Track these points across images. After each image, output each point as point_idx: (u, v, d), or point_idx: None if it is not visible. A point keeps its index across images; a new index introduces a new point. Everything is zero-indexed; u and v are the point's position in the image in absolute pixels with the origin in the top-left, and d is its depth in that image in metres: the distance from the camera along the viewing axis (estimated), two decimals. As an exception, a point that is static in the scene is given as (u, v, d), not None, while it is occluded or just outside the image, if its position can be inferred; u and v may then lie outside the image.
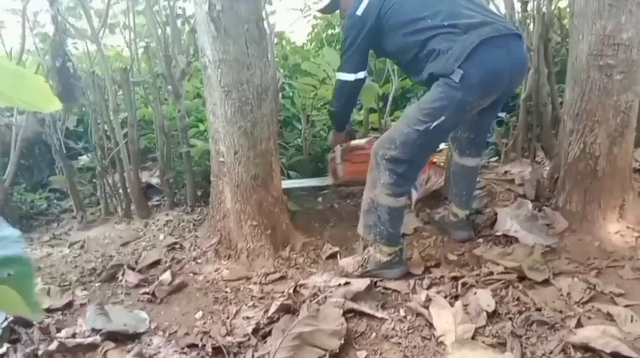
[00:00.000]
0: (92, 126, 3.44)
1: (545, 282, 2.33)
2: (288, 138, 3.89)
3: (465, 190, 2.81)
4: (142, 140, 4.13)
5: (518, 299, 2.23)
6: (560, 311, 2.12)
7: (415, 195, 3.30)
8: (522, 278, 2.36)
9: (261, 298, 2.43)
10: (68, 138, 3.66)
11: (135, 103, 3.52)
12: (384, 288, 2.41)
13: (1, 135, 3.45)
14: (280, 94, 3.86)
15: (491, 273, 2.41)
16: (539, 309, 2.14)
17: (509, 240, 2.72)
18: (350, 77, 2.57)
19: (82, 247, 3.12)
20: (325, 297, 2.32)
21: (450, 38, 2.22)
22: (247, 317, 2.26)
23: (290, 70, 4.16)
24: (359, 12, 2.44)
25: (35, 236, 3.35)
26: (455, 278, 2.41)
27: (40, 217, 3.69)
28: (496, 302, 2.17)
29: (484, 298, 2.20)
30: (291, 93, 3.95)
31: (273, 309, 2.22)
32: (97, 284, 2.68)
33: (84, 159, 3.66)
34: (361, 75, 2.58)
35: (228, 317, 2.27)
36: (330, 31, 5.19)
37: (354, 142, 3.06)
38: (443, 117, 2.22)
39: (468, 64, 2.15)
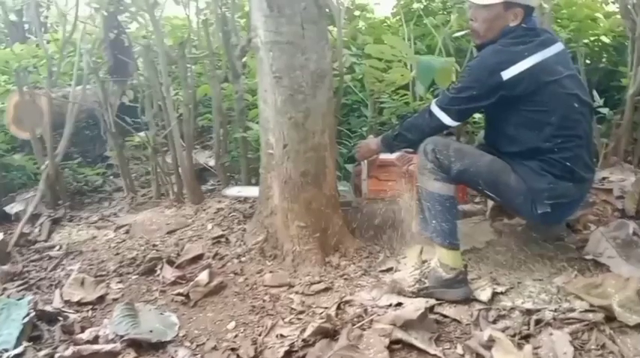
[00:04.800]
0: (146, 104, 3.28)
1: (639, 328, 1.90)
2: (355, 126, 3.56)
3: None
4: (202, 119, 3.97)
5: (603, 346, 1.83)
6: (656, 369, 1.71)
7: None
8: (611, 319, 1.94)
9: (300, 312, 2.17)
10: (124, 114, 3.53)
11: (192, 80, 3.33)
12: (442, 316, 2.07)
13: (57, 107, 3.36)
14: (350, 77, 3.54)
15: (573, 310, 2.01)
16: (629, 363, 1.74)
17: (599, 267, 2.29)
18: (452, 124, 2.27)
19: (127, 232, 3.00)
20: (371, 321, 2.02)
21: (559, 174, 2.11)
22: (281, 336, 2.01)
23: (362, 49, 3.78)
24: (505, 75, 2.07)
25: (84, 215, 3.27)
26: (528, 312, 2.03)
27: (93, 194, 3.62)
28: (575, 349, 1.80)
29: (561, 342, 1.83)
30: (361, 76, 3.59)
31: (309, 331, 1.95)
32: (133, 277, 2.54)
33: (141, 135, 3.52)
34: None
35: (260, 334, 2.03)
36: (415, 5, 4.68)
37: (382, 156, 2.68)
38: (497, 197, 2.28)
39: (555, 207, 2.12)
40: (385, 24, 4.72)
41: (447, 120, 2.23)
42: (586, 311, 1.99)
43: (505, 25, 2.17)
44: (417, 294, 2.19)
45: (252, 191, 2.98)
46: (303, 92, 2.33)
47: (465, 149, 2.27)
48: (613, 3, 3.86)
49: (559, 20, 3.62)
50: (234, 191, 3.08)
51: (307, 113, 2.36)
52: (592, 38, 3.80)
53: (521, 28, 2.16)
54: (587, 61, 3.86)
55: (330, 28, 3.37)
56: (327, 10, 2.50)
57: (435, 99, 2.28)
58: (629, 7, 3.10)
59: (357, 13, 4.70)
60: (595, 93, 3.31)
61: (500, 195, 2.23)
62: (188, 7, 3.39)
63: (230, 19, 3.12)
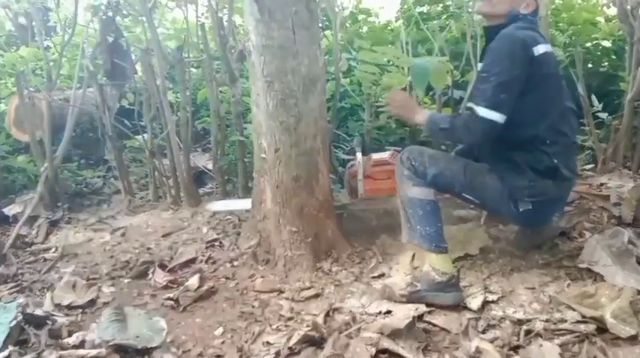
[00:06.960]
0: (144, 107, 3.28)
1: (633, 340, 1.84)
2: (353, 129, 3.54)
3: None
4: (202, 122, 3.98)
5: (594, 359, 1.78)
6: (649, 384, 1.67)
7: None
8: (603, 330, 1.90)
9: (289, 319, 2.15)
10: (125, 117, 3.54)
11: (190, 84, 3.33)
12: (431, 324, 2.04)
13: (59, 110, 3.38)
14: (348, 80, 3.52)
15: (564, 320, 1.96)
16: (620, 378, 1.70)
17: (593, 276, 2.25)
18: (503, 119, 2.04)
19: (123, 235, 3.01)
20: (359, 329, 2.00)
21: (541, 170, 2.10)
22: (268, 343, 1.99)
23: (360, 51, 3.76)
24: (537, 51, 2.03)
25: (82, 217, 3.28)
26: (519, 322, 1.99)
27: (92, 196, 3.63)
28: (564, 362, 1.75)
29: (550, 354, 1.79)
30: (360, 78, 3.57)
31: (295, 339, 1.93)
32: (126, 281, 2.54)
33: (141, 138, 3.52)
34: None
35: (247, 341, 2.02)
36: (419, 8, 4.63)
37: (375, 156, 2.67)
38: (475, 199, 2.28)
39: (536, 205, 2.14)
40: (388, 28, 4.69)
41: (498, 117, 2.02)
42: (578, 322, 1.95)
43: (516, 8, 2.16)
44: (408, 298, 2.15)
45: (239, 204, 2.97)
46: (294, 96, 2.32)
47: (439, 155, 2.32)
48: (613, 5, 3.81)
49: (559, 24, 3.57)
50: (219, 205, 3.05)
51: (299, 117, 2.35)
52: (592, 42, 3.75)
53: (528, 18, 2.17)
54: (590, 65, 3.81)
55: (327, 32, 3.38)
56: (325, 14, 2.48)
57: (474, 104, 2.08)
58: (627, 11, 3.05)
59: (361, 17, 4.69)
60: (594, 97, 3.27)
61: (478, 196, 2.25)
62: (187, 10, 3.38)
63: (227, 22, 3.11)
